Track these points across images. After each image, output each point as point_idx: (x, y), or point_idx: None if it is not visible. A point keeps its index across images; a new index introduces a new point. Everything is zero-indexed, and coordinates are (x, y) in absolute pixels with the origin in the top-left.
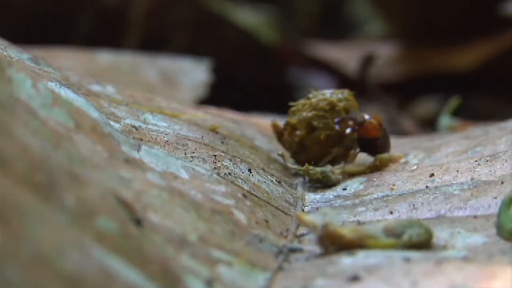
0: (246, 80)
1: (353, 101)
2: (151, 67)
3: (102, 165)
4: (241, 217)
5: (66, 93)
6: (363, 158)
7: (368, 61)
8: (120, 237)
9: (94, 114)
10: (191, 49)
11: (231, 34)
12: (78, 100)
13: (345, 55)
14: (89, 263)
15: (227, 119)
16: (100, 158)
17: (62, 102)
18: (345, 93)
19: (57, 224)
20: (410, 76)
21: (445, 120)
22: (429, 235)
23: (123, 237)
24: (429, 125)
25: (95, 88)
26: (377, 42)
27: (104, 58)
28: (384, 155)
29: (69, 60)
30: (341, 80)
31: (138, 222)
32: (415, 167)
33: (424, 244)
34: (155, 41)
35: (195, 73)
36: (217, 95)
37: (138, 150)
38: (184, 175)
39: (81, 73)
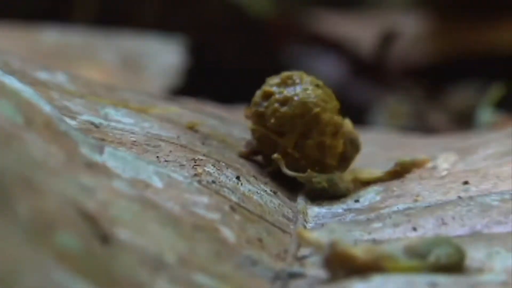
0: (232, 64)
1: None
2: (109, 48)
3: (59, 170)
4: (228, 234)
5: (11, 82)
6: (378, 161)
7: (388, 38)
8: (84, 257)
9: (47, 108)
10: (160, 25)
11: (212, 5)
12: (26, 91)
13: (359, 31)
14: (50, 287)
15: (208, 114)
16: (56, 161)
17: (8, 93)
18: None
19: (11, 240)
20: (442, 58)
21: (484, 114)
22: (460, 255)
23: (87, 256)
24: (464, 121)
25: (42, 75)
26: (400, 14)
27: (50, 37)
28: (407, 159)
29: (7, 40)
30: (353, 63)
31: (105, 239)
32: (445, 173)
33: (454, 266)
34: (113, 14)
35: (165, 55)
36: (195, 84)
37: (101, 152)
38: (158, 183)
39: (24, 57)
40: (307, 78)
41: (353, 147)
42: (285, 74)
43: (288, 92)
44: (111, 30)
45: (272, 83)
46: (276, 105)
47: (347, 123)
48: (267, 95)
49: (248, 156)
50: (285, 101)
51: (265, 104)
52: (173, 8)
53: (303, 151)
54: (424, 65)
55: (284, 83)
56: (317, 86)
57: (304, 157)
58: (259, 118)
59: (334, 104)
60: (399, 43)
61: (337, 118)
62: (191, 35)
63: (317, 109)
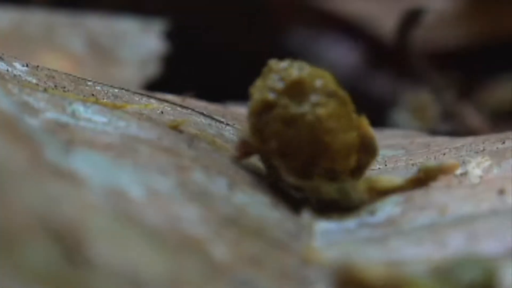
0: (223, 50)
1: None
2: (73, 31)
3: (21, 177)
4: (219, 253)
5: None
6: (399, 167)
7: (413, 18)
8: (52, 278)
9: (6, 103)
10: (135, 5)
11: None
12: None
13: (378, 9)
14: None
15: (195, 111)
16: (17, 167)
17: None
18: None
19: None
20: (478, 42)
21: None
22: (494, 276)
23: (56, 277)
24: (505, 119)
25: None
26: None
27: (4, 18)
28: (432, 164)
29: None
30: (371, 48)
31: (76, 258)
32: (477, 180)
33: None
34: None
35: (141, 40)
36: (177, 74)
37: (69, 156)
38: (137, 193)
39: None
40: (319, 82)
41: (369, 152)
42: (292, 78)
43: (294, 109)
44: (76, 11)
45: (274, 87)
46: (279, 125)
47: (363, 122)
48: (268, 106)
49: (243, 158)
50: (290, 121)
51: (265, 118)
52: None
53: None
54: (455, 51)
55: (289, 92)
56: (330, 94)
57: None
58: (257, 133)
59: (349, 113)
60: (425, 23)
61: (351, 138)
62: (171, 17)
63: (327, 138)
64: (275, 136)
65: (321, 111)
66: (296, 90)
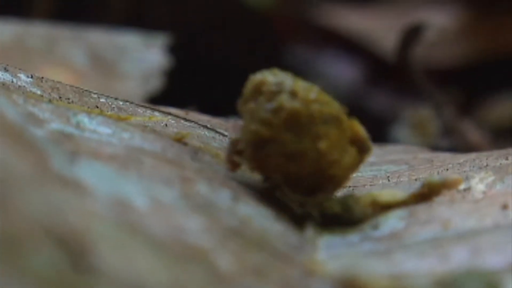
0: (225, 66)
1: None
2: (76, 44)
3: (27, 185)
4: (223, 263)
5: None
6: (402, 182)
7: (413, 34)
8: (58, 284)
9: (12, 113)
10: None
11: None
12: None
13: (378, 26)
14: None
15: (198, 124)
16: (23, 175)
17: None
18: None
19: None
20: (479, 58)
21: None
22: None
23: (61, 284)
24: (505, 135)
25: (2, 76)
26: (428, 6)
27: (7, 31)
28: (435, 179)
29: None
30: (371, 64)
31: (81, 264)
32: (480, 195)
33: None
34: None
35: (144, 54)
36: (179, 89)
37: (74, 166)
38: (141, 203)
39: None
40: (315, 108)
41: (363, 151)
42: (286, 111)
43: (294, 145)
44: (77, 24)
45: (267, 120)
46: (281, 159)
47: (354, 125)
48: (265, 141)
49: (236, 169)
50: (292, 156)
51: (265, 151)
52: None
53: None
54: (457, 68)
55: (286, 126)
56: (327, 120)
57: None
58: (257, 164)
59: (345, 130)
60: (427, 40)
61: (352, 158)
62: (174, 31)
63: (332, 171)
64: (278, 169)
65: (322, 145)
66: (293, 123)
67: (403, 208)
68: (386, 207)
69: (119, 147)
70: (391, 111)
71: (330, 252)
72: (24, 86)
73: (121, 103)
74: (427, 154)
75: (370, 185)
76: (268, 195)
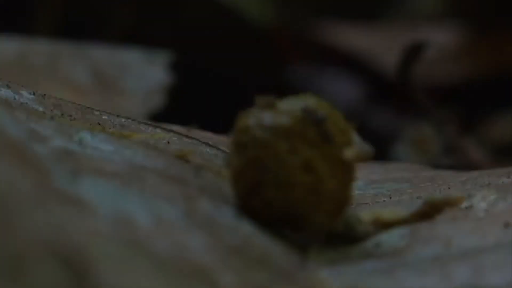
0: (227, 83)
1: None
2: (78, 61)
3: (29, 202)
4: (226, 281)
5: None
6: (404, 200)
7: (414, 52)
8: None
9: (14, 130)
10: (139, 36)
11: (201, 11)
12: None
13: (379, 44)
14: None
15: (201, 141)
16: (25, 192)
17: None
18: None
19: None
20: (480, 76)
21: None
22: None
23: None
24: (506, 153)
25: (4, 93)
26: (428, 24)
27: (9, 48)
28: (437, 197)
29: None
30: (372, 82)
31: (85, 283)
32: (482, 213)
33: None
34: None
35: (146, 71)
36: (182, 106)
37: (77, 183)
38: (144, 220)
39: None
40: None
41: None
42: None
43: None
44: (79, 42)
45: (264, 141)
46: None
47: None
48: (257, 187)
49: None
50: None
51: (259, 192)
52: (154, 18)
53: None
54: (456, 86)
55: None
56: (319, 144)
57: None
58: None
59: (338, 153)
60: (428, 58)
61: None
62: (175, 49)
63: (327, 206)
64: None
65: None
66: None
67: (405, 226)
68: (388, 225)
69: (121, 164)
70: (392, 129)
71: (333, 270)
72: (26, 103)
73: (123, 120)
74: (429, 172)
75: (372, 203)
76: None
